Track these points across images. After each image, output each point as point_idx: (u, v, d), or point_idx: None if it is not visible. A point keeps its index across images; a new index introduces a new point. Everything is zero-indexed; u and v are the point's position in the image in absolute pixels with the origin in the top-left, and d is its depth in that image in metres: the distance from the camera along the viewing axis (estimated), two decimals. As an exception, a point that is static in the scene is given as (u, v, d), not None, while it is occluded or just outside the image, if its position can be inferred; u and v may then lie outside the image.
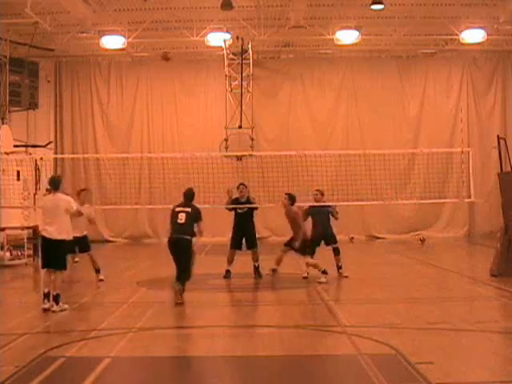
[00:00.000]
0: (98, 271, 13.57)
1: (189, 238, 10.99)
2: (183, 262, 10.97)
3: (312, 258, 13.70)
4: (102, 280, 13.45)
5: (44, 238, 10.22)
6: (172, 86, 25.82)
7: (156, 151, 25.22)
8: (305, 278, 13.59)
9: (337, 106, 26.00)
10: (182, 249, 10.96)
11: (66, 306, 10.17)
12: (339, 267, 13.80)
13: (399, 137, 25.38)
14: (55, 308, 9.96)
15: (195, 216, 11.15)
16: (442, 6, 21.05)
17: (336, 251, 13.81)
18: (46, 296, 10.02)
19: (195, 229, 11.17)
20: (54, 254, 10.07)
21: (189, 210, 11.12)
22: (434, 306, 10.35)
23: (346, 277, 13.61)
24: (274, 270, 13.47)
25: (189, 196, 11.44)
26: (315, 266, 13.25)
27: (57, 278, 10.11)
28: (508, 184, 14.12)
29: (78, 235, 12.81)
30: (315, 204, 14.05)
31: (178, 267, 11.06)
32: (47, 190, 19.76)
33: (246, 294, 12.66)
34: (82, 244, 13.31)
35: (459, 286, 12.99)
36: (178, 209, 11.22)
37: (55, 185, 10.44)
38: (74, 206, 10.32)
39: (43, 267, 10.28)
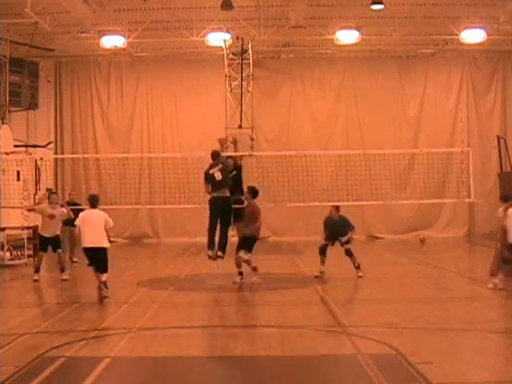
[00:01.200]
0: (62, 270, 13.89)
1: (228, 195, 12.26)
2: (224, 221, 12.23)
3: (324, 260, 13.65)
4: (65, 280, 13.63)
5: (87, 248, 11.16)
6: (172, 85, 25.83)
7: (156, 151, 25.24)
8: (316, 277, 13.55)
9: (337, 106, 26.03)
10: (223, 206, 12.18)
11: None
12: (357, 266, 13.60)
13: (399, 137, 25.40)
14: (105, 293, 10.89)
15: (228, 167, 12.44)
16: (442, 5, 21.08)
17: (348, 253, 13.62)
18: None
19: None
20: (100, 258, 11.07)
21: (220, 166, 12.27)
22: (434, 306, 10.34)
23: (360, 277, 13.43)
24: (240, 273, 13.11)
25: (214, 155, 12.53)
26: (248, 263, 12.96)
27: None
28: (508, 184, 14.12)
29: (52, 235, 13.90)
30: (333, 217, 13.77)
31: (213, 228, 12.22)
32: (47, 189, 19.81)
33: (245, 294, 12.62)
34: (54, 243, 14.05)
35: (459, 286, 12.98)
36: (211, 171, 12.31)
37: (94, 202, 11.59)
38: (111, 222, 11.27)
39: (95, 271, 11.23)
